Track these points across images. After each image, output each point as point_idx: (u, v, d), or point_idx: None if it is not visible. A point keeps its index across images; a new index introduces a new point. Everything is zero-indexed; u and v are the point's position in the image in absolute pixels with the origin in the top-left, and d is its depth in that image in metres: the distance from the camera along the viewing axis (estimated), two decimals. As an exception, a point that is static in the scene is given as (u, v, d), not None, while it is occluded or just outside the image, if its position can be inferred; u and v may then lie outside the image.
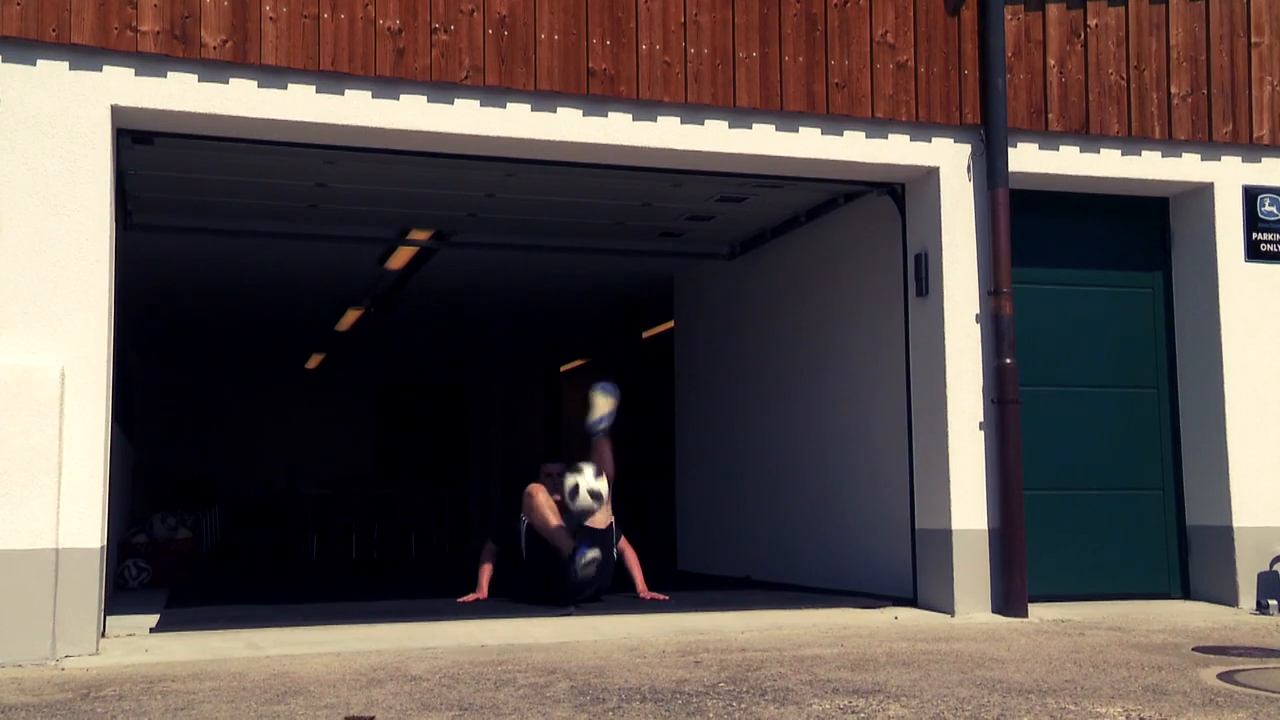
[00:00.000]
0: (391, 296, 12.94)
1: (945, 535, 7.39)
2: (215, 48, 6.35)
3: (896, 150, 7.50)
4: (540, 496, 8.06)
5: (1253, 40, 8.07)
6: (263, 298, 13.41)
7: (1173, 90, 7.90)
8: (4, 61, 6.07)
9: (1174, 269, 8.27)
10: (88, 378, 6.03)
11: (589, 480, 7.82)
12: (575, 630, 6.66)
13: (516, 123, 6.85)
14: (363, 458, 20.03)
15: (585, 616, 7.25)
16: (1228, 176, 8.03)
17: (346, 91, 6.59)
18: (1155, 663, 5.50)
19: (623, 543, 8.28)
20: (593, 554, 7.69)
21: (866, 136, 7.44)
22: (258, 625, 6.79)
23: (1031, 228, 7.84)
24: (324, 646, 6.05)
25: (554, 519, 7.95)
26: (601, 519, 8.00)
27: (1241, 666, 5.41)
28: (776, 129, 7.28)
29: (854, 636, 6.39)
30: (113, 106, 6.22)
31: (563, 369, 18.43)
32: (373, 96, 6.62)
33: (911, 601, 7.69)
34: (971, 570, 7.33)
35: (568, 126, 6.93)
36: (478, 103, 6.79)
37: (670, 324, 12.48)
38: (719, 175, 7.82)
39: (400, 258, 11.23)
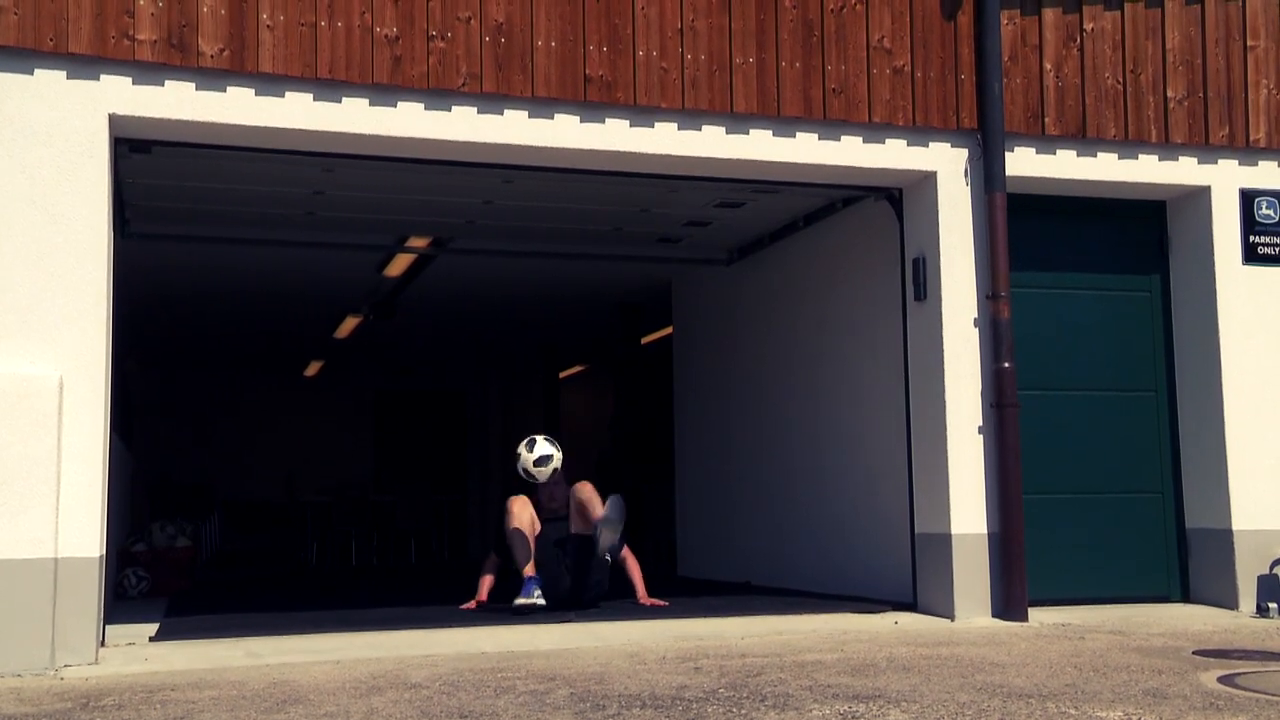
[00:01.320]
0: (390, 303, 12.94)
1: (945, 539, 7.38)
2: (212, 56, 6.35)
3: (894, 155, 7.50)
4: (514, 508, 8.07)
5: (1248, 44, 8.08)
6: (261, 305, 13.41)
7: (1169, 94, 7.91)
8: (1, 71, 6.07)
9: (1172, 272, 8.28)
10: (86, 387, 6.02)
11: (527, 462, 8.05)
12: (575, 637, 6.66)
13: (514, 129, 6.85)
14: (362, 464, 20.02)
15: (585, 623, 7.24)
16: (1225, 179, 8.03)
17: (344, 99, 6.59)
18: (1155, 666, 5.50)
19: (624, 550, 8.28)
20: (532, 601, 7.63)
21: (864, 141, 7.44)
22: (257, 633, 6.79)
23: (1029, 232, 7.84)
24: (324, 654, 6.04)
25: (521, 545, 7.92)
26: (576, 525, 7.99)
27: (1242, 670, 5.41)
28: (774, 134, 7.28)
29: (854, 641, 6.39)
30: (110, 116, 6.22)
31: (562, 375, 18.42)
32: (370, 104, 6.63)
33: (911, 606, 7.68)
34: (971, 574, 7.33)
35: (565, 133, 6.93)
36: (475, 110, 6.79)
37: (669, 330, 12.48)
38: (716, 181, 7.83)
39: (399, 265, 11.24)
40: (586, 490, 8.03)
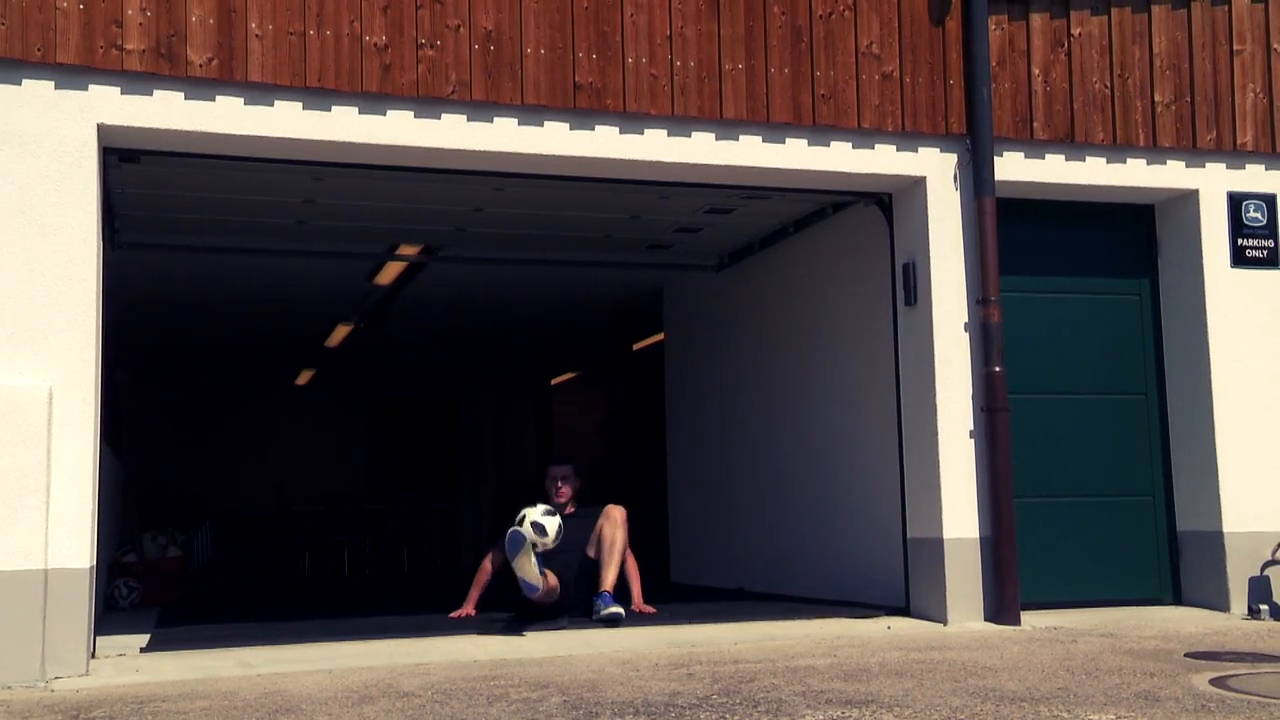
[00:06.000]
0: (381, 312, 12.93)
1: (937, 544, 7.39)
2: (201, 65, 6.35)
3: (883, 160, 7.52)
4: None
5: (1235, 48, 8.11)
6: (252, 314, 13.39)
7: (1156, 98, 7.94)
8: (-11, 81, 6.07)
9: (1160, 275, 8.30)
10: (76, 397, 6.01)
11: (535, 514, 7.33)
12: (568, 644, 6.65)
13: (504, 137, 6.86)
14: (354, 473, 19.98)
15: (578, 630, 7.23)
16: (1212, 183, 8.06)
17: (333, 108, 6.59)
18: (1147, 669, 5.51)
19: (628, 556, 8.28)
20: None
21: (853, 147, 7.46)
22: (249, 643, 6.77)
23: (1018, 236, 7.86)
24: (316, 664, 6.03)
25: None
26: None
27: (1233, 672, 5.43)
28: (763, 140, 7.30)
29: (847, 647, 6.39)
30: (99, 125, 6.21)
31: (553, 381, 18.42)
32: (359, 112, 6.63)
33: (904, 611, 7.69)
34: (963, 579, 7.34)
35: (555, 140, 6.94)
36: (464, 117, 6.80)
37: (660, 336, 12.49)
38: (706, 187, 7.84)
39: (389, 273, 11.23)
40: (611, 528, 7.75)
